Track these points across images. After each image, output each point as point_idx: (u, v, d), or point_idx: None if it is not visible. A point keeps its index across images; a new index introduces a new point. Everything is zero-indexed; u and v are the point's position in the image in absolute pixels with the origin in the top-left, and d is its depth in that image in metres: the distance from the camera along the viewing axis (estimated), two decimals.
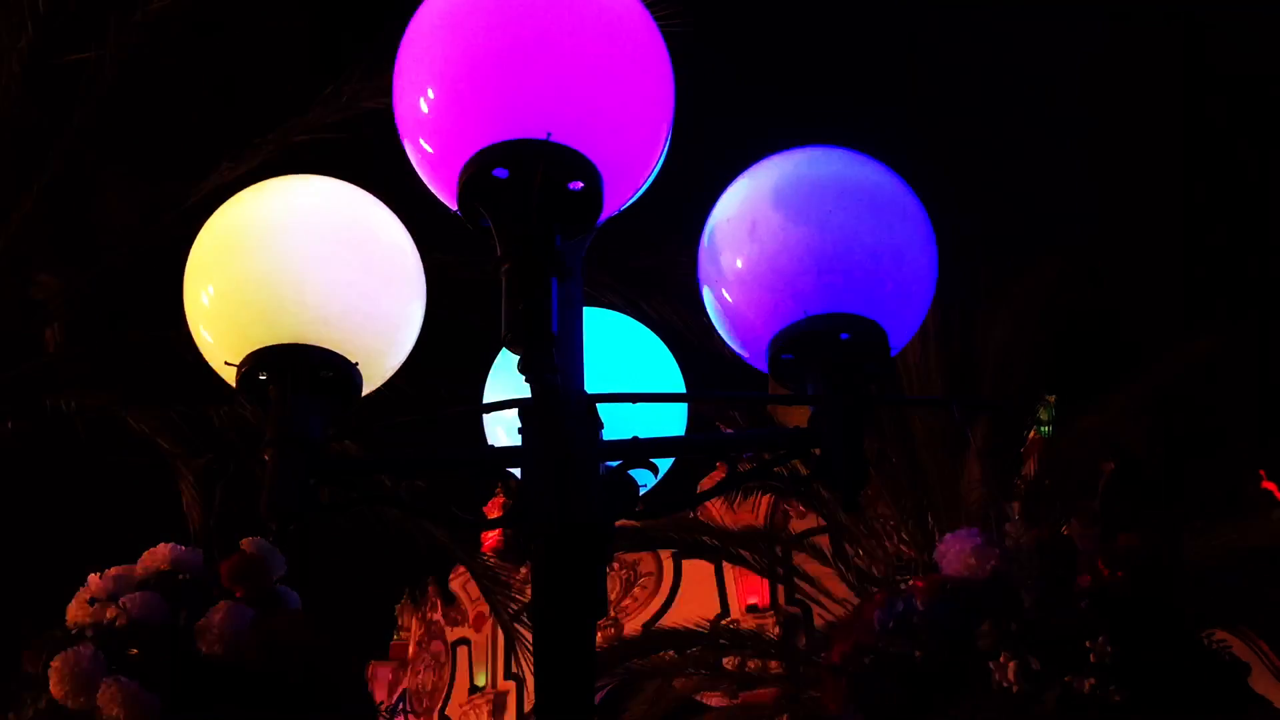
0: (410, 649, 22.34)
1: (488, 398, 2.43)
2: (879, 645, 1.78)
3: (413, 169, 1.90)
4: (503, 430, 2.32)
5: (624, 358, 2.43)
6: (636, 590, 17.72)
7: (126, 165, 7.93)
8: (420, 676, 21.48)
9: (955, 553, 1.86)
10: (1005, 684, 1.61)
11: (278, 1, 7.81)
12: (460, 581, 19.86)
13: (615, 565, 17.22)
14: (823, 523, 10.39)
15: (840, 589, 10.20)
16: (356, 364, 2.02)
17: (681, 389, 2.50)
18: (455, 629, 20.59)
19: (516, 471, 2.00)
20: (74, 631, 1.90)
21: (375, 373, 2.10)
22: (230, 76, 7.92)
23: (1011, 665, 1.61)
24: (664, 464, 2.18)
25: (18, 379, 7.69)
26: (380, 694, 21.99)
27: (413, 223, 2.21)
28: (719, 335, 2.20)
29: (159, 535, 2.14)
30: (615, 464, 1.99)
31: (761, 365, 2.12)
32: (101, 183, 7.80)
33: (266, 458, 1.93)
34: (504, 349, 2.13)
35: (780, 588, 15.72)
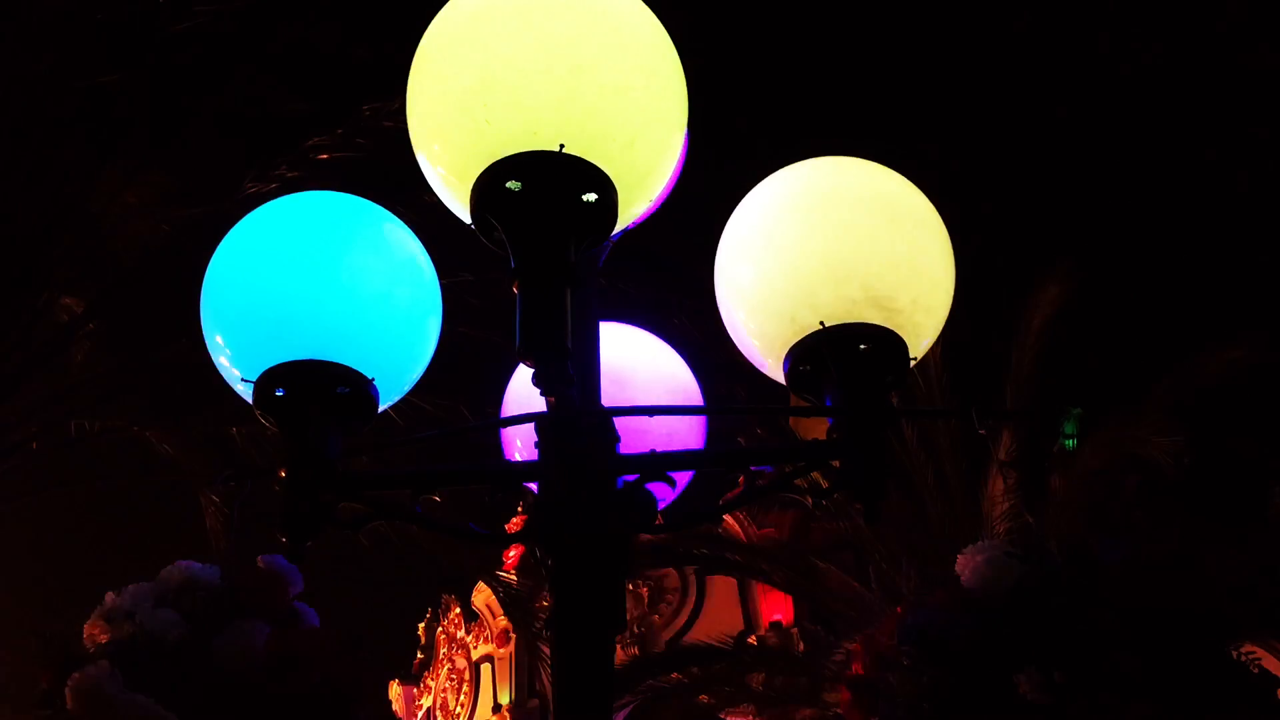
0: (432, 666, 22.30)
1: (506, 412, 2.42)
2: (901, 658, 1.76)
3: (427, 183, 1.89)
4: (521, 445, 2.31)
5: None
6: (661, 606, 17.62)
7: (149, 186, 8.01)
8: (443, 694, 21.43)
9: (976, 565, 1.83)
10: (1028, 696, 1.59)
11: (297, 20, 7.88)
12: (483, 599, 19.84)
13: (639, 581, 17.15)
14: (846, 537, 10.33)
15: (864, 603, 10.14)
16: (373, 379, 2.01)
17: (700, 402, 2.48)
18: (478, 646, 20.53)
19: (535, 487, 1.99)
20: (91, 649, 1.89)
21: (392, 388, 2.09)
22: (251, 96, 7.99)
23: (1035, 678, 1.58)
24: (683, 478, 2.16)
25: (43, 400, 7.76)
26: (402, 712, 21.96)
27: (429, 238, 2.20)
28: (736, 347, 2.18)
29: (181, 553, 2.14)
30: (634, 477, 1.98)
31: (780, 377, 2.10)
32: (124, 203, 7.87)
33: (283, 474, 1.93)
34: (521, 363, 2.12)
35: (805, 604, 15.63)
